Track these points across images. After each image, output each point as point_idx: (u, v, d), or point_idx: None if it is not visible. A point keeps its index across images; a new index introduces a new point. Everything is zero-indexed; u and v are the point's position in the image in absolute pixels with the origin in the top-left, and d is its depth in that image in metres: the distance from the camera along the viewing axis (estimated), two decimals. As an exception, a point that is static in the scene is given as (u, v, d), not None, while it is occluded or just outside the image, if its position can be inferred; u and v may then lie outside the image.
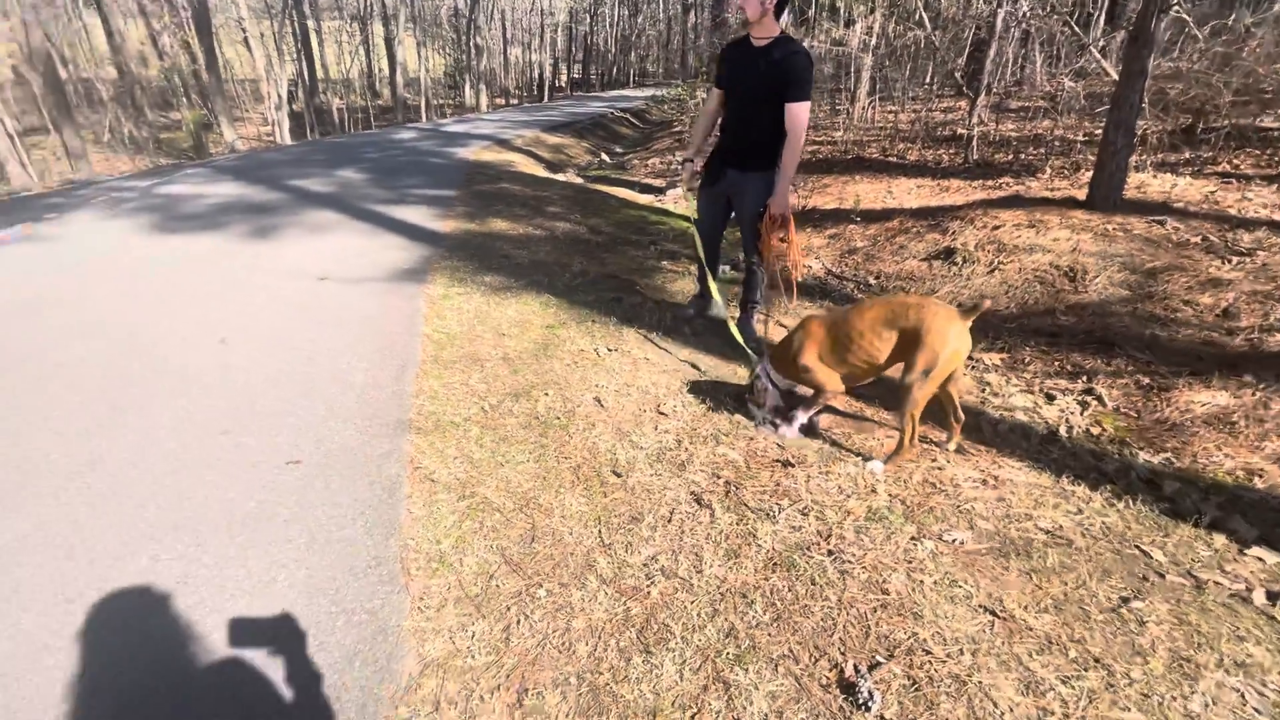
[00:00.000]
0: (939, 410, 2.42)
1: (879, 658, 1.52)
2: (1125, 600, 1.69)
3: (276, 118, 16.36)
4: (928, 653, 1.53)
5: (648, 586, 1.74)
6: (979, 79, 7.26)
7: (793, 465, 2.29)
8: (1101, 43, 7.36)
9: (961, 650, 1.54)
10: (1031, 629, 1.60)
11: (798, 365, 2.41)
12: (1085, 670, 1.48)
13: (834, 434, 2.56)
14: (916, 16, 8.48)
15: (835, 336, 2.32)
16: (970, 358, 3.21)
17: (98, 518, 1.94)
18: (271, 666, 1.49)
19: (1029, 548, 1.89)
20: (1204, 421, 2.52)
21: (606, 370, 3.04)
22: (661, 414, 2.66)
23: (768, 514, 2.02)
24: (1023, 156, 6.45)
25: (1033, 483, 2.23)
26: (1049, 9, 7.45)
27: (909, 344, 2.13)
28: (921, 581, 1.75)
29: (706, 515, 2.03)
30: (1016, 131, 7.48)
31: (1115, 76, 5.11)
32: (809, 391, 2.50)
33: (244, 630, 1.57)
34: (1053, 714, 1.38)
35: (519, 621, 1.63)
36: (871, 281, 4.48)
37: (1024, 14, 7.38)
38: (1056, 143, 6.48)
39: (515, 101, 28.28)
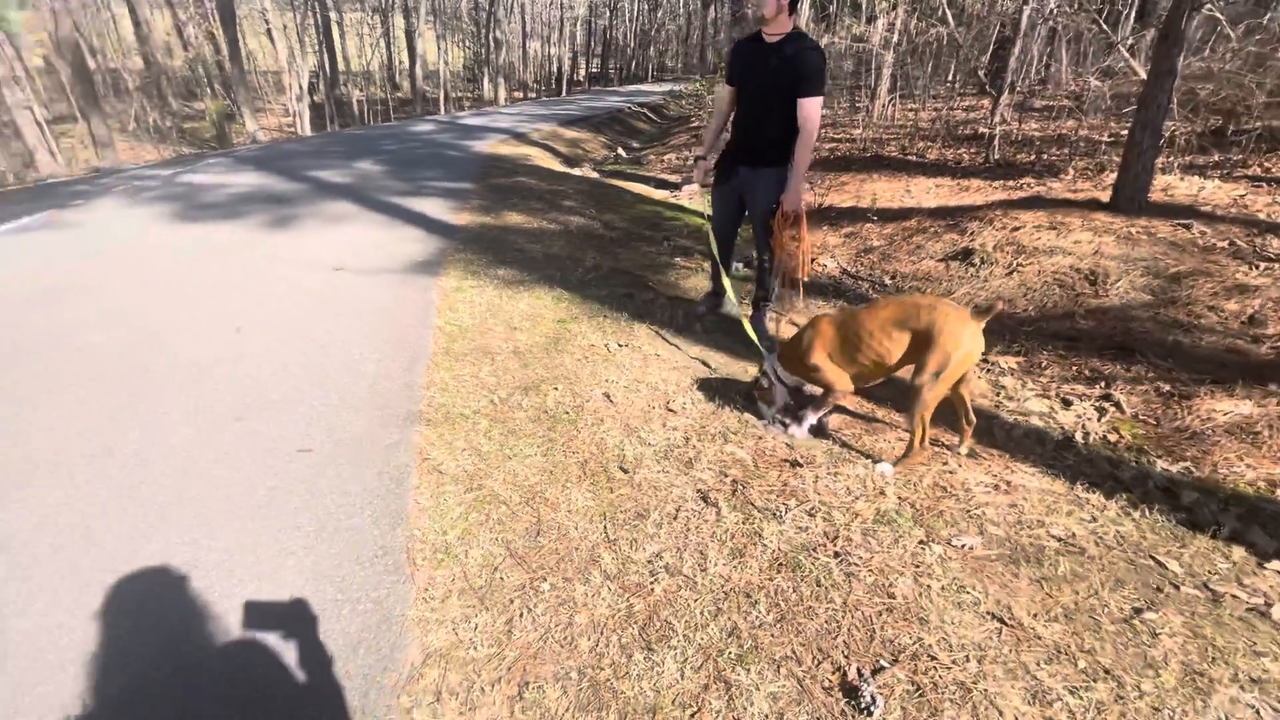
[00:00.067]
0: (950, 413, 2.39)
1: (883, 662, 1.50)
2: (1138, 611, 1.66)
3: (297, 109, 16.53)
4: (933, 659, 1.51)
5: (651, 583, 1.74)
6: (1002, 77, 7.13)
7: (801, 465, 2.27)
8: (1130, 41, 7.20)
9: (968, 657, 1.52)
10: (1040, 638, 1.57)
11: (806, 363, 2.39)
12: (1094, 681, 1.45)
13: (843, 435, 2.54)
14: (940, 13, 8.35)
15: (845, 335, 2.30)
16: (985, 360, 3.16)
17: (113, 501, 1.98)
18: (282, 650, 1.51)
19: (1040, 555, 1.86)
20: (1226, 431, 2.46)
21: (617, 366, 3.03)
22: (670, 411, 2.65)
23: (774, 514, 2.01)
24: (1045, 157, 6.34)
25: (1046, 489, 2.19)
26: (1077, 6, 7.30)
27: (921, 345, 2.10)
28: (929, 586, 1.73)
29: (712, 513, 2.02)
30: (1040, 131, 7.35)
31: (1143, 76, 5.00)
32: (818, 391, 2.48)
33: (256, 614, 1.59)
34: (1059, 725, 1.36)
35: (522, 615, 1.63)
36: (887, 281, 4.43)
37: (1051, 10, 7.24)
38: (1081, 143, 6.35)
39: (533, 95, 28.31)
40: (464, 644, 1.55)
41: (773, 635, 1.58)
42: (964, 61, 9.47)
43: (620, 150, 12.34)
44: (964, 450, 2.38)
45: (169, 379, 2.70)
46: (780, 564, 1.81)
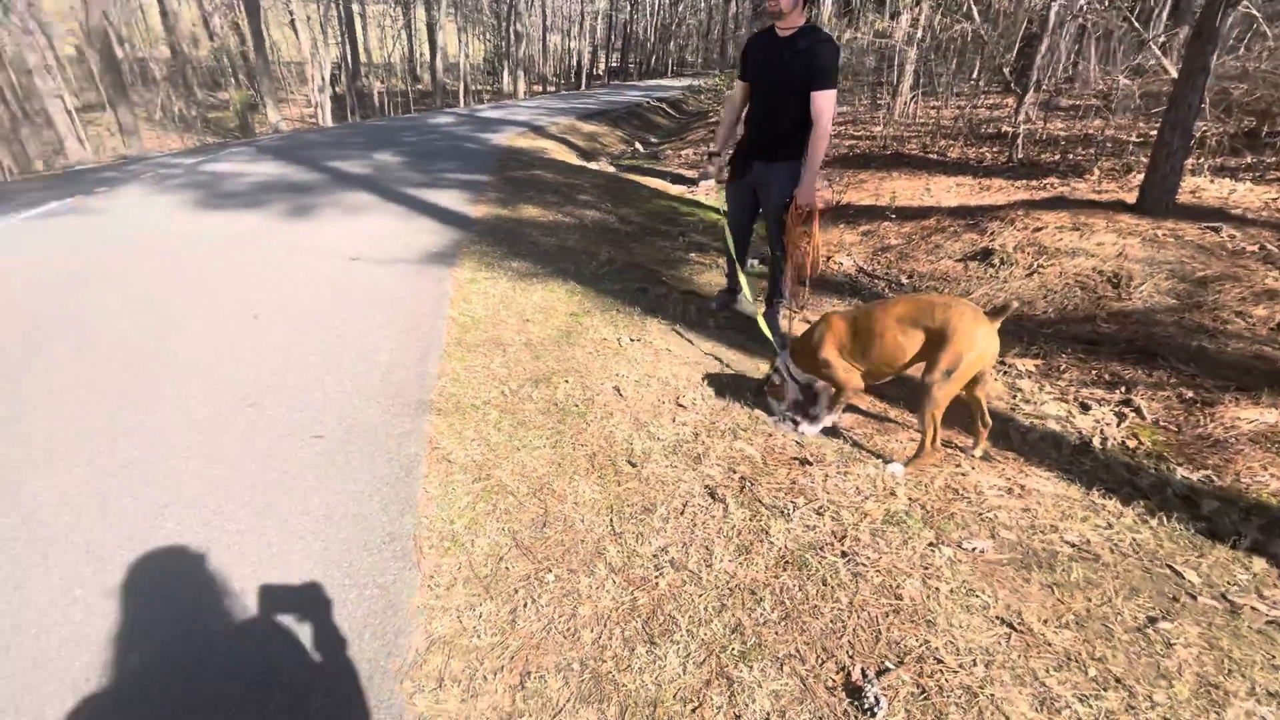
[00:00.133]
0: (966, 415, 2.35)
1: (888, 663, 1.49)
2: (1153, 620, 1.62)
3: (319, 100, 16.69)
4: (939, 662, 1.49)
5: (656, 577, 1.74)
6: (1028, 75, 6.99)
7: (811, 464, 2.26)
8: (1162, 38, 7.02)
9: (975, 661, 1.49)
10: (1050, 644, 1.55)
11: (818, 360, 2.37)
12: (1105, 690, 1.43)
13: (855, 434, 2.52)
14: (965, 9, 8.21)
15: (857, 332, 2.28)
16: (1002, 362, 3.11)
17: (131, 480, 2.02)
18: (296, 632, 1.53)
19: (1053, 560, 1.83)
20: (1250, 439, 2.40)
21: (628, 360, 3.03)
22: (680, 406, 2.64)
23: (782, 511, 2.00)
24: (1070, 157, 6.21)
25: (1061, 494, 2.15)
26: (1108, 3, 7.13)
27: (933, 343, 2.08)
28: (937, 589, 1.71)
29: (720, 509, 2.01)
30: (1065, 130, 7.21)
31: (1174, 74, 4.87)
32: (831, 389, 2.46)
33: (270, 595, 1.62)
34: (1067, 733, 1.33)
35: (526, 605, 1.64)
36: (904, 281, 4.38)
37: (1080, 7, 7.08)
38: (1107, 143, 6.22)
39: (552, 89, 28.33)
40: (468, 632, 1.56)
41: (777, 633, 1.57)
42: (989, 59, 9.30)
43: (638, 145, 12.31)
44: (978, 453, 2.34)
45: (188, 363, 2.75)
46: (786, 562, 1.79)
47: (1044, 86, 8.48)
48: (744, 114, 3.16)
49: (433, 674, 1.44)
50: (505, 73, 25.54)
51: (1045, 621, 1.61)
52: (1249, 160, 5.13)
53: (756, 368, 3.10)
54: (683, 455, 2.30)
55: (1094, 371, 2.99)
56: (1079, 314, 3.53)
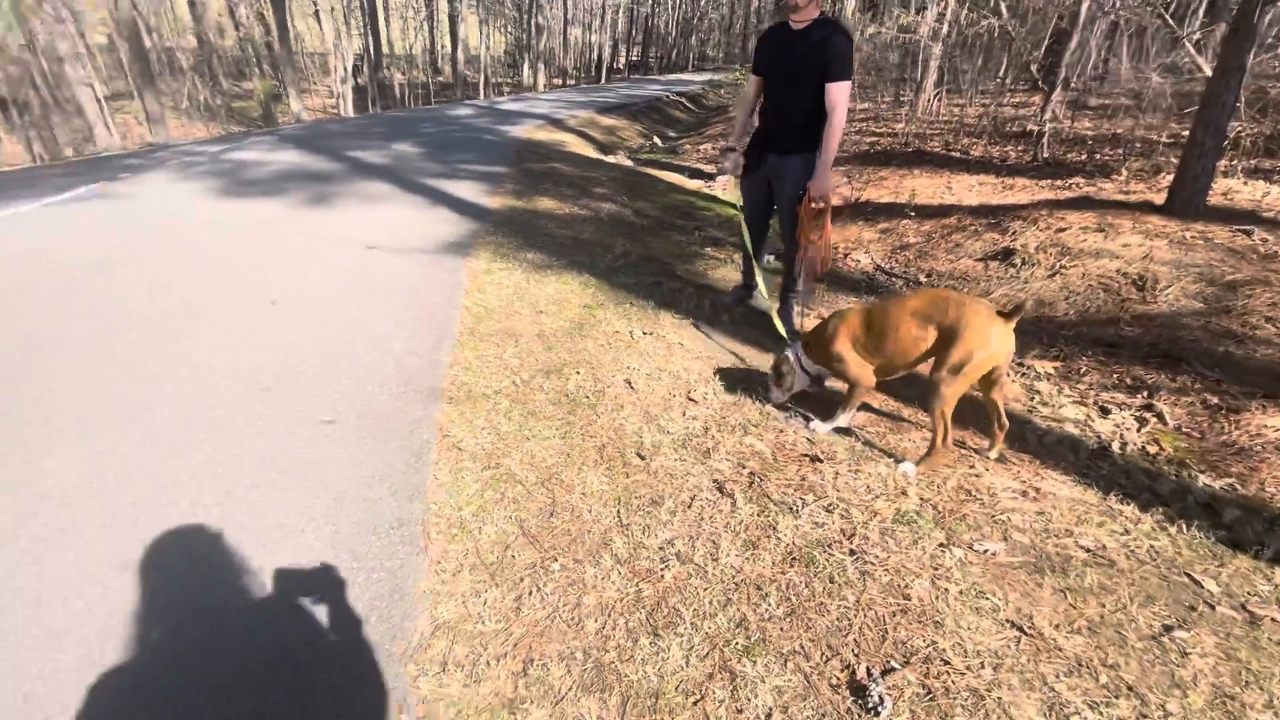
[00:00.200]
0: (982, 417, 2.32)
1: (894, 663, 1.47)
2: (1168, 629, 1.59)
3: (341, 90, 16.83)
4: (946, 663, 1.47)
5: (662, 570, 1.73)
6: (1056, 72, 6.85)
7: (821, 461, 2.24)
8: (1197, 36, 6.83)
9: (983, 664, 1.47)
10: (1061, 649, 1.52)
11: (831, 353, 2.35)
12: (1116, 698, 1.40)
13: (867, 432, 2.49)
14: (992, 4, 8.05)
15: (871, 326, 2.25)
16: (1020, 364, 3.06)
17: (148, 459, 2.05)
18: (304, 612, 1.54)
19: (1066, 565, 1.80)
20: (1276, 448, 2.33)
21: (640, 353, 3.02)
22: (691, 400, 2.63)
23: (790, 508, 1.98)
24: (1097, 156, 6.08)
25: (1077, 498, 2.11)
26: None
27: (945, 339, 2.06)
28: (946, 590, 1.68)
29: (727, 504, 2.00)
30: (1093, 130, 7.06)
31: (1208, 73, 4.74)
32: (837, 385, 2.43)
33: (283, 576, 1.64)
34: (1076, 739, 1.31)
35: (531, 593, 1.64)
36: (922, 279, 4.32)
37: (1113, 3, 6.92)
38: (1137, 143, 6.07)
39: (572, 82, 28.31)
40: (472, 618, 1.56)
41: (782, 629, 1.56)
42: (1016, 55, 9.12)
43: (656, 139, 12.26)
44: (993, 455, 2.31)
45: (206, 346, 2.79)
46: (794, 558, 1.78)
47: (1073, 84, 8.31)
48: (758, 108, 3.14)
49: (437, 658, 1.45)
50: (525, 65, 25.57)
51: (1057, 626, 1.58)
52: (1285, 162, 4.98)
53: (769, 364, 3.07)
54: (692, 449, 2.29)
55: (1115, 375, 2.93)
56: (1101, 316, 3.45)
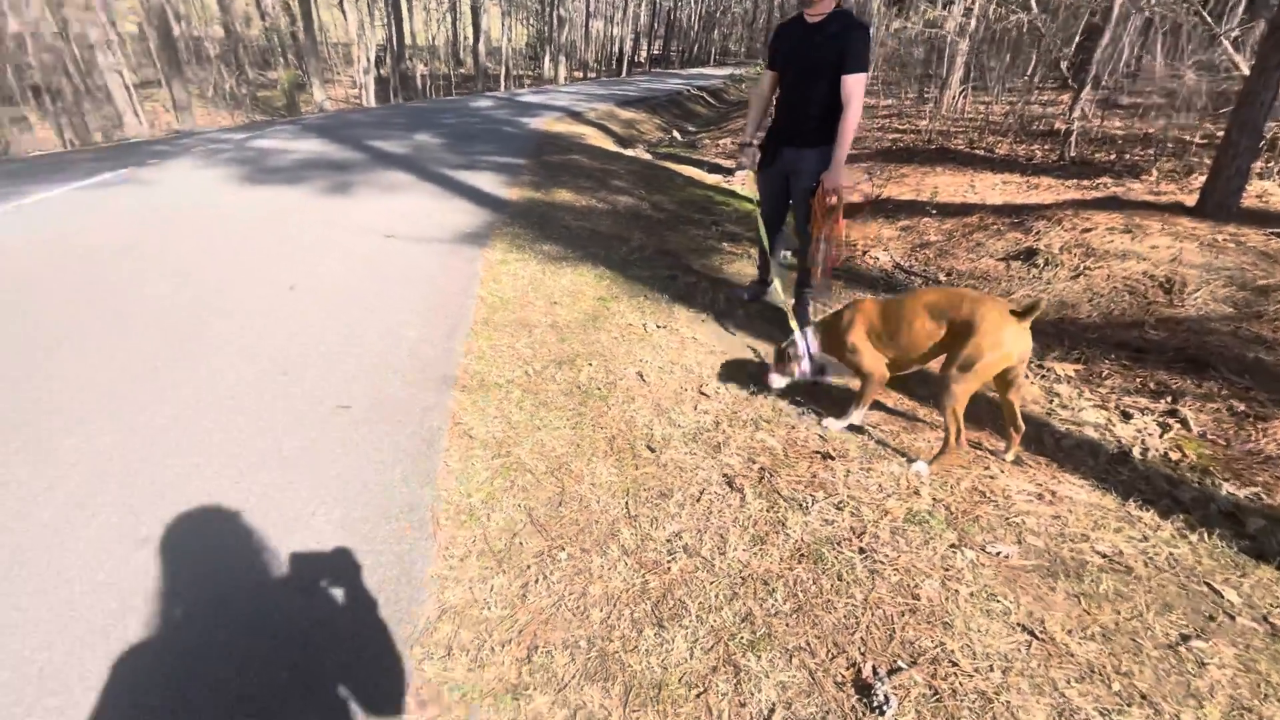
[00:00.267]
0: (998, 418, 2.28)
1: (901, 663, 1.45)
2: (1185, 638, 1.55)
3: (364, 81, 16.96)
4: (954, 664, 1.45)
5: (668, 562, 1.73)
6: (1087, 70, 6.70)
7: (833, 458, 2.21)
8: (1236, 33, 6.63)
9: (992, 667, 1.45)
10: (1073, 655, 1.49)
11: (845, 343, 2.32)
12: (1129, 705, 1.37)
13: (881, 431, 2.46)
14: (1023, -1, 7.89)
15: (887, 318, 2.24)
16: (1040, 366, 3.01)
17: (164, 440, 2.09)
18: (316, 593, 1.56)
19: (1081, 570, 1.76)
20: (1305, 457, 2.26)
21: (653, 346, 3.01)
22: (703, 394, 2.62)
23: (800, 504, 1.96)
24: (1127, 156, 5.94)
25: (1094, 503, 2.07)
26: (1177, -6, 6.76)
27: (957, 336, 2.03)
28: (956, 591, 1.66)
29: (737, 499, 1.99)
30: (1123, 129, 6.89)
31: (1246, 71, 4.60)
32: (839, 380, 2.40)
33: (297, 558, 1.66)
34: (1085, 746, 1.28)
35: (538, 580, 1.65)
36: (942, 278, 4.25)
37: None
38: (1169, 143, 5.92)
39: (593, 75, 28.26)
40: (478, 603, 1.57)
41: (788, 625, 1.55)
42: (1045, 52, 8.93)
43: (676, 133, 12.21)
44: (1009, 457, 2.27)
45: (226, 330, 2.83)
46: (802, 555, 1.77)
47: (1103, 82, 8.11)
48: (773, 103, 3.13)
49: (442, 642, 1.46)
50: (547, 58, 25.57)
51: (1069, 632, 1.56)
52: (1324, 165, 4.83)
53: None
54: (703, 443, 2.28)
55: (1138, 379, 2.86)
56: (1125, 319, 3.37)
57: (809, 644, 1.50)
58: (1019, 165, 6.11)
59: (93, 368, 2.49)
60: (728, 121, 13.68)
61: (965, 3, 8.63)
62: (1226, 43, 5.97)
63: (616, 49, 31.62)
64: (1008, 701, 1.37)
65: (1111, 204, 4.52)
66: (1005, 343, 1.94)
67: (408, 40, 24.51)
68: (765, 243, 3.34)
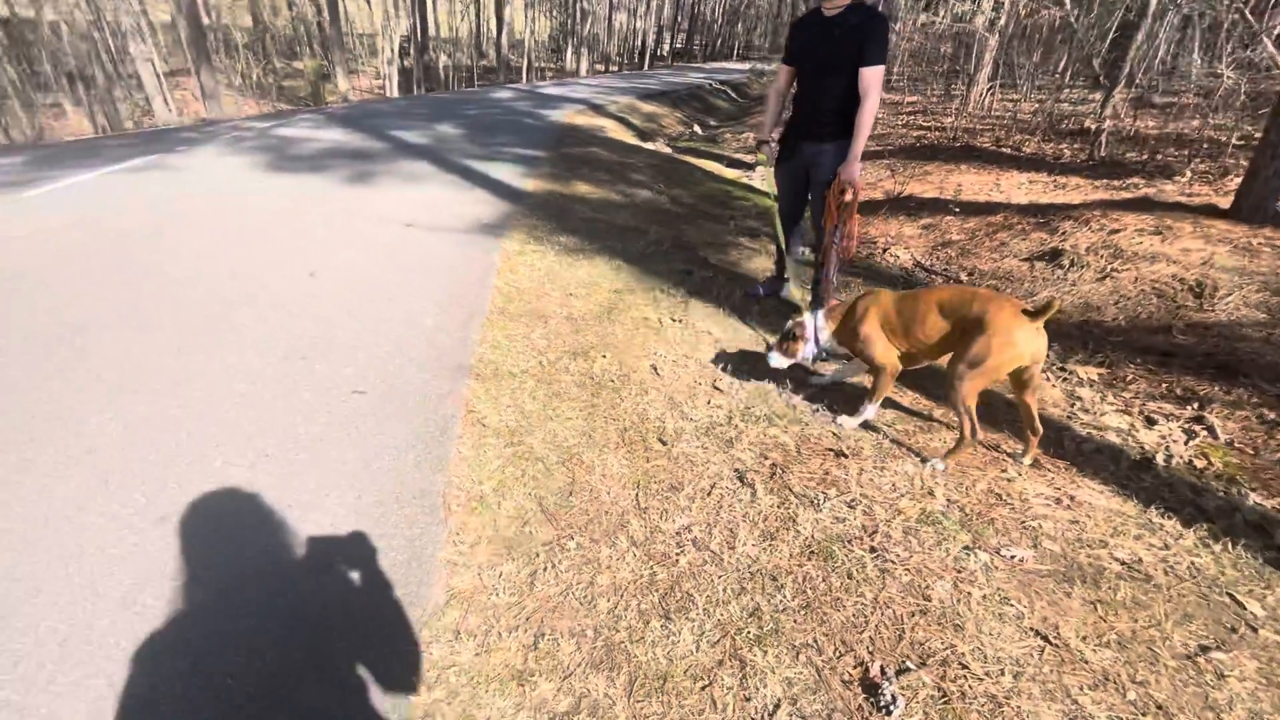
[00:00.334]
0: (1016, 420, 2.24)
1: (909, 664, 1.44)
2: (1204, 649, 1.51)
3: (387, 72, 17.09)
4: (964, 667, 1.43)
5: (677, 555, 1.73)
6: (1120, 67, 6.53)
7: (846, 456, 2.19)
8: (1278, 31, 6.41)
9: (1003, 671, 1.43)
10: (1087, 662, 1.46)
11: (858, 333, 2.29)
12: (1143, 715, 1.34)
13: (896, 430, 2.43)
14: (1055, -6, 7.70)
15: (902, 311, 2.22)
16: (1062, 368, 2.95)
17: (185, 420, 2.13)
18: (331, 573, 1.59)
19: (1098, 576, 1.73)
20: (1338, 469, 2.19)
21: (667, 340, 3.01)
22: (716, 389, 2.60)
23: (812, 501, 1.95)
24: (1159, 157, 5.78)
25: (1114, 509, 2.03)
26: (1217, -10, 6.56)
27: (967, 333, 2.02)
28: (969, 594, 1.64)
29: (747, 494, 1.98)
30: (1157, 129, 6.71)
31: (1288, 70, 4.45)
32: (854, 378, 2.37)
33: (312, 539, 1.68)
34: (1097, 754, 1.26)
35: (546, 569, 1.66)
36: (964, 278, 4.18)
37: (1186, -6, 6.54)
38: (1204, 144, 5.75)
39: (615, 68, 28.19)
40: (487, 589, 1.58)
41: (795, 621, 1.54)
42: (1078, 48, 8.71)
43: (696, 127, 12.13)
44: (1027, 460, 2.23)
45: (247, 314, 2.87)
46: (812, 552, 1.75)
47: (1137, 81, 7.90)
48: (790, 97, 3.11)
49: (450, 626, 1.48)
50: (569, 50, 25.55)
51: (1084, 638, 1.53)
52: (1367, 168, 4.65)
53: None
54: (715, 437, 2.27)
55: (1164, 385, 2.79)
56: (1153, 323, 3.29)
57: (816, 641, 1.49)
58: (1046, 164, 5.98)
59: (119, 347, 2.54)
60: (749, 116, 13.57)
61: (995, -3, 8.45)
62: (1268, 40, 5.77)
63: (639, 42, 31.48)
64: (1018, 706, 1.34)
65: (1142, 205, 4.41)
66: (1017, 342, 1.92)
67: (431, 31, 24.63)
68: (781, 239, 3.32)
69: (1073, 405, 2.70)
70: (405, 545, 1.69)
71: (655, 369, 2.72)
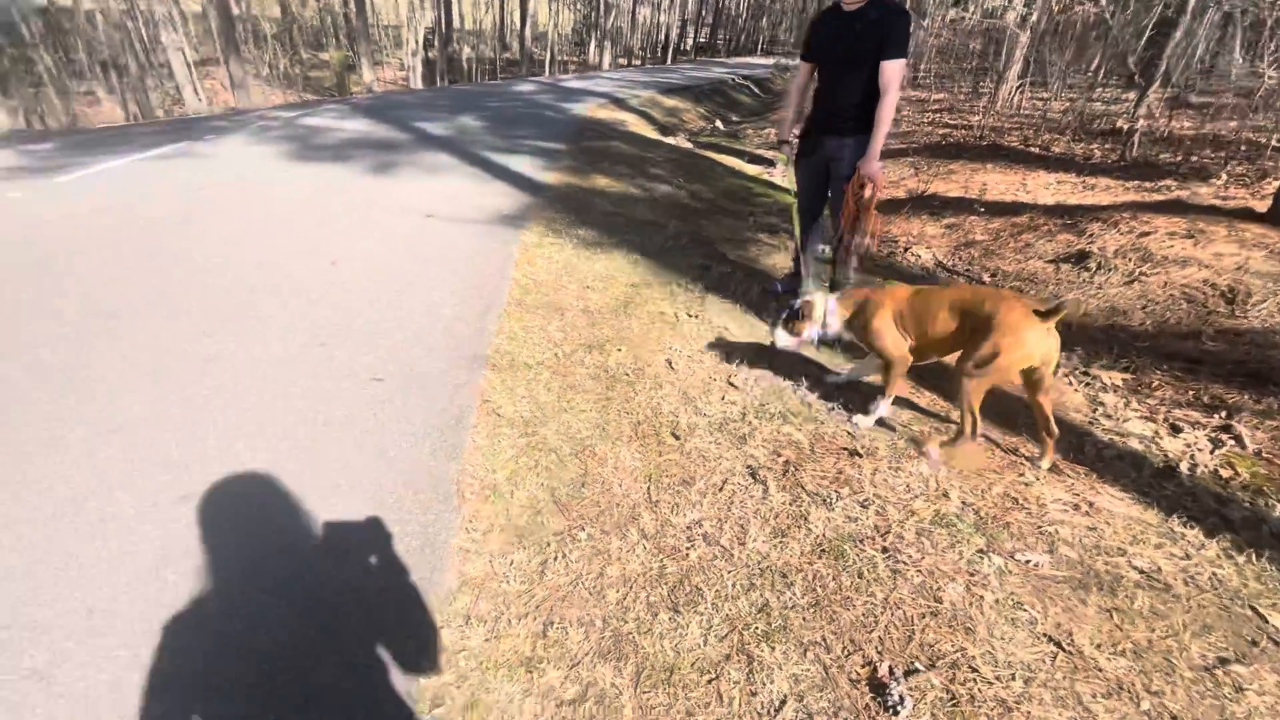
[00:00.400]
0: (1032, 423, 2.21)
1: (918, 665, 1.43)
2: (1224, 661, 1.48)
3: (411, 63, 17.21)
4: (974, 670, 1.42)
5: (687, 548, 1.73)
6: (1156, 66, 6.36)
7: (860, 456, 2.18)
8: (1323, 30, 6.20)
9: (1014, 675, 1.41)
10: (1101, 670, 1.44)
11: (870, 325, 2.27)
12: (1158, 726, 1.32)
13: (912, 430, 2.40)
14: (1090, -11, 7.52)
15: (914, 306, 2.22)
16: (1085, 373, 2.89)
17: (209, 403, 2.18)
18: (347, 556, 1.62)
19: (1116, 584, 1.70)
20: (1371, 482, 2.13)
21: (683, 335, 3.00)
22: (731, 385, 2.60)
23: (824, 500, 1.94)
24: (1194, 158, 5.63)
25: (1135, 517, 1.99)
26: (1261, -13, 6.35)
27: (977, 333, 2.01)
28: (981, 597, 1.62)
29: (759, 490, 1.97)
30: (1193, 129, 6.53)
31: (1333, 70, 4.30)
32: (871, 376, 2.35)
33: (329, 523, 1.72)
34: (1108, 763, 1.24)
35: (557, 558, 1.67)
36: (986, 279, 4.12)
37: (1227, -9, 6.34)
38: (1242, 145, 5.59)
39: (638, 62, 28.10)
40: (498, 577, 1.60)
41: (804, 618, 1.53)
42: (1112, 46, 8.49)
43: (718, 122, 12.06)
44: (1045, 464, 2.19)
45: (270, 301, 2.93)
46: (823, 550, 1.75)
47: (1174, 80, 7.69)
48: (810, 94, 3.08)
49: (460, 611, 1.50)
50: (592, 44, 25.50)
51: (1099, 646, 1.50)
52: None
53: (816, 355, 3.00)
54: (728, 433, 2.27)
55: (1191, 392, 2.73)
56: (1182, 329, 3.21)
57: (825, 639, 1.49)
58: (1075, 165, 5.85)
59: (147, 332, 2.61)
60: (772, 112, 13.45)
61: (1028, -7, 8.27)
62: (1313, 39, 5.59)
63: (662, 36, 31.32)
64: (1028, 712, 1.33)
65: (1174, 208, 4.30)
66: (1027, 343, 1.91)
67: (455, 24, 24.73)
68: (799, 234, 3.29)
69: (1095, 411, 2.65)
70: (419, 531, 1.72)
71: (670, 364, 2.72)
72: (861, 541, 1.78)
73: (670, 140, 9.06)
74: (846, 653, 1.46)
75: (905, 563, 1.71)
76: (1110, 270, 3.75)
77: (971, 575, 1.68)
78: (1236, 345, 3.00)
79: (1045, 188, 5.36)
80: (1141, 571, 1.75)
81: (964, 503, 1.98)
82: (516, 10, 24.70)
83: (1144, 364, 2.96)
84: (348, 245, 3.67)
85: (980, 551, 1.77)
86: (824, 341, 2.52)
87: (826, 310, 2.42)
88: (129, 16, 13.31)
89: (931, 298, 2.19)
